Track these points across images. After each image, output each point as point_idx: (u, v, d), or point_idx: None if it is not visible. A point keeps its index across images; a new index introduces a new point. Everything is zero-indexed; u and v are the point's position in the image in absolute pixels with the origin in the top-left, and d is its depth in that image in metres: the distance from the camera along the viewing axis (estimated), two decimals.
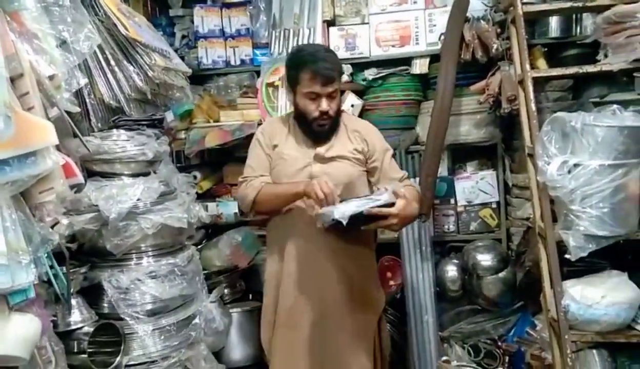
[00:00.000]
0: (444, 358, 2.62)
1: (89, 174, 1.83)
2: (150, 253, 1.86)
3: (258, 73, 2.89)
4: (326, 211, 1.67)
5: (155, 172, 1.93)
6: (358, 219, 1.64)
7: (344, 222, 1.61)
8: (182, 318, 1.89)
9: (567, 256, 1.86)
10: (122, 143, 1.83)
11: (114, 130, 1.86)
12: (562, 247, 1.91)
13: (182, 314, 1.89)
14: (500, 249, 2.71)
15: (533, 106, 2.08)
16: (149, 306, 1.80)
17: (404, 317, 2.72)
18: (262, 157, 1.91)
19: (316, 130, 1.87)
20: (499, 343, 2.65)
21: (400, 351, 2.76)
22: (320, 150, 1.89)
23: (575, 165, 1.81)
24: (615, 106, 1.88)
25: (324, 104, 1.83)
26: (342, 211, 1.62)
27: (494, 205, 2.82)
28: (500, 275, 2.61)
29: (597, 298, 1.76)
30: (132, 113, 1.89)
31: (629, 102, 2.12)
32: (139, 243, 1.82)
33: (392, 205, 1.67)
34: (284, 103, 2.68)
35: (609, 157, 1.77)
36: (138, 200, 1.78)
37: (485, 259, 2.65)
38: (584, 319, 1.78)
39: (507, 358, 2.60)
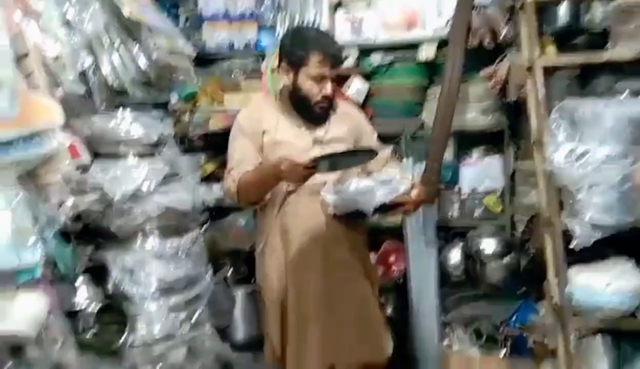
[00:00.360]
0: (446, 342, 2.64)
1: (94, 155, 1.83)
2: (155, 235, 1.86)
3: (263, 56, 2.87)
4: (346, 201, 1.67)
5: (160, 154, 1.93)
6: (378, 208, 1.65)
7: (369, 213, 1.61)
8: (187, 299, 1.90)
9: (572, 245, 1.85)
10: (127, 124, 1.82)
11: (119, 112, 1.85)
12: (567, 235, 1.91)
13: (186, 295, 1.89)
14: (504, 235, 2.70)
15: (541, 93, 2.06)
16: (154, 287, 1.80)
17: (405, 302, 2.72)
18: (247, 146, 1.84)
19: (318, 112, 1.84)
20: (501, 328, 2.65)
21: (402, 336, 2.76)
22: (320, 132, 1.87)
23: (583, 154, 1.80)
24: (624, 94, 1.86)
25: (329, 87, 1.81)
26: (368, 202, 1.60)
27: (498, 192, 2.81)
28: (504, 261, 2.60)
29: (602, 285, 1.76)
30: (136, 95, 1.87)
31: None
32: (144, 225, 1.82)
33: (408, 193, 1.70)
34: None
35: (618, 146, 1.76)
36: (143, 181, 1.78)
37: (489, 245, 2.64)
38: (588, 306, 1.78)
39: (508, 343, 2.61)
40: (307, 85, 1.80)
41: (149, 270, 1.79)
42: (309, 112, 1.85)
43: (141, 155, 1.87)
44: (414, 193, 1.71)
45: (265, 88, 2.73)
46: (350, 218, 1.80)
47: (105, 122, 1.81)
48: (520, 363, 2.48)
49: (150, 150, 1.89)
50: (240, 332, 2.46)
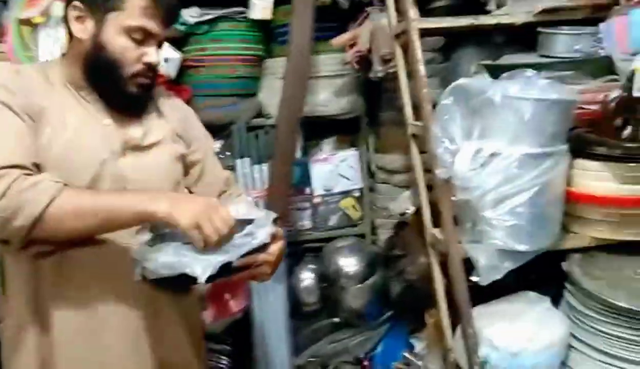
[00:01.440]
0: None
1: None
2: None
3: (5, 3, 1.83)
4: (167, 262, 0.95)
5: None
6: (218, 272, 0.97)
7: (203, 279, 0.93)
8: None
9: (473, 278, 1.35)
10: None
11: None
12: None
13: None
14: (367, 250, 2.20)
15: (422, 68, 1.50)
16: None
17: (248, 347, 2.08)
18: (21, 130, 0.98)
19: (132, 92, 1.09)
20: (364, 363, 2.17)
21: None
22: (135, 132, 1.10)
23: (492, 155, 1.29)
24: (529, 72, 1.38)
25: (154, 53, 1.08)
26: (202, 265, 0.94)
27: (356, 194, 2.27)
28: (369, 282, 2.12)
29: (523, 341, 1.27)
30: None
31: (531, 66, 1.66)
32: None
33: (266, 245, 1.07)
34: (48, 51, 1.68)
35: (536, 143, 1.28)
36: None
37: (349, 264, 2.14)
38: None
39: None
40: (119, 43, 1.05)
41: None
42: (120, 89, 1.08)
43: None
44: (275, 249, 1.08)
45: (12, 53, 1.72)
46: (168, 286, 1.08)
47: None
48: None
49: None
50: None
